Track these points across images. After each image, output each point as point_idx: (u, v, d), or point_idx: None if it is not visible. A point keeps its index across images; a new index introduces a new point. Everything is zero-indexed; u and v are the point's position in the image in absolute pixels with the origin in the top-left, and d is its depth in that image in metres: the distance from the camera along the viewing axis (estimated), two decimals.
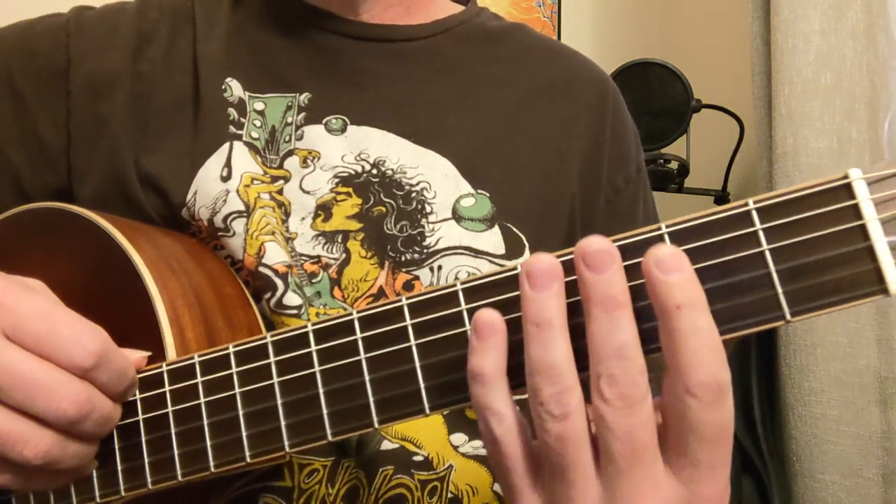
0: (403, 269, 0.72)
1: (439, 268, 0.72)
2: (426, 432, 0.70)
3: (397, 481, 0.68)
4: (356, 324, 0.51)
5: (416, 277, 0.72)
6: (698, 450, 0.42)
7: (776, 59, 1.52)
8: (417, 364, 0.50)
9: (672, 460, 0.43)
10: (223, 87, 0.78)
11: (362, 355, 0.51)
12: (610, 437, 0.42)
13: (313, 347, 0.52)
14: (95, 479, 0.57)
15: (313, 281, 0.71)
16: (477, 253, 0.73)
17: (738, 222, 0.43)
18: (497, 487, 0.72)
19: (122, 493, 0.56)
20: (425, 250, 0.73)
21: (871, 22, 1.49)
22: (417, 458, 0.69)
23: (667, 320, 0.41)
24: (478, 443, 0.72)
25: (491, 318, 0.45)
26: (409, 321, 0.50)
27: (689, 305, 0.41)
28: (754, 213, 0.43)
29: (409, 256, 0.73)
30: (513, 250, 0.75)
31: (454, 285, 0.49)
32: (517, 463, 0.46)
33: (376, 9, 0.83)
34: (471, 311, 0.48)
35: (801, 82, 1.48)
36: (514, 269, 0.48)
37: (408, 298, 0.50)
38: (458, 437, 0.71)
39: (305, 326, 0.53)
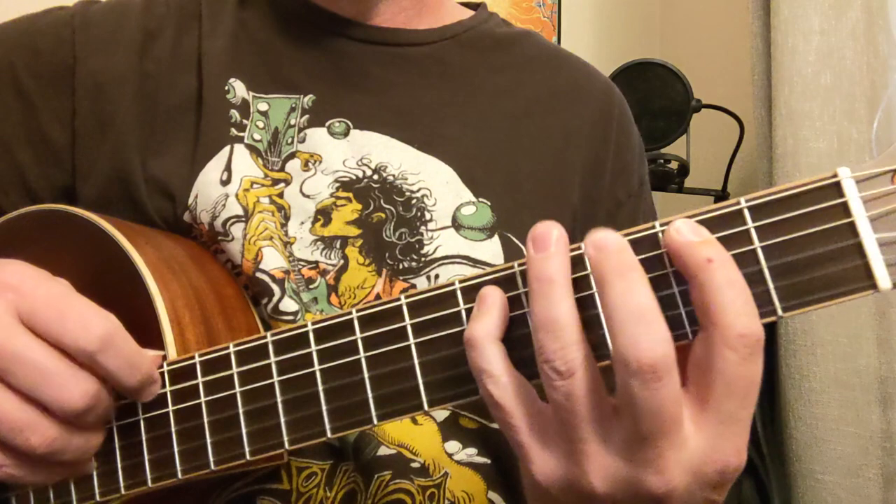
0: (401, 278, 0.72)
1: (437, 277, 0.72)
2: (421, 440, 0.70)
3: (395, 486, 0.68)
4: (356, 323, 0.52)
5: (413, 286, 0.71)
6: (727, 404, 0.42)
7: (776, 59, 1.52)
8: (416, 361, 0.50)
9: (696, 415, 0.43)
10: (226, 88, 0.77)
11: (362, 354, 0.52)
12: (636, 413, 0.42)
13: (313, 347, 0.53)
14: (95, 478, 0.57)
15: (311, 287, 0.70)
16: (475, 262, 0.73)
17: (731, 220, 0.44)
18: (492, 495, 0.72)
19: (122, 492, 0.57)
20: (423, 259, 0.72)
21: (871, 22, 1.49)
22: (414, 465, 0.69)
23: (698, 275, 0.42)
24: (472, 450, 0.72)
25: (490, 290, 0.48)
26: (408, 320, 0.51)
27: (720, 260, 0.42)
28: (746, 212, 0.44)
29: (406, 265, 0.72)
30: (511, 260, 0.74)
31: (453, 284, 0.50)
32: (522, 422, 0.46)
33: (388, 13, 0.83)
34: (469, 311, 0.49)
35: (801, 82, 1.48)
36: (511, 267, 0.48)
37: (407, 297, 0.51)
38: (453, 445, 0.71)
39: (305, 326, 0.53)
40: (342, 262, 0.72)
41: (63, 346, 0.51)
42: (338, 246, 0.72)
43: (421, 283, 0.72)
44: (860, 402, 1.42)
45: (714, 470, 0.44)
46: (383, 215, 0.73)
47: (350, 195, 0.74)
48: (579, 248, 0.46)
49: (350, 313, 0.52)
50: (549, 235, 0.45)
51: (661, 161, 1.72)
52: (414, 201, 0.74)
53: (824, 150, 1.47)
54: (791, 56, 1.49)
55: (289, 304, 0.69)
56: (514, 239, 0.75)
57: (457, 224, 0.74)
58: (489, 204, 0.76)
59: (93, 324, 0.52)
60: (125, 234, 0.64)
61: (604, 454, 0.44)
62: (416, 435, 0.70)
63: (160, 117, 0.76)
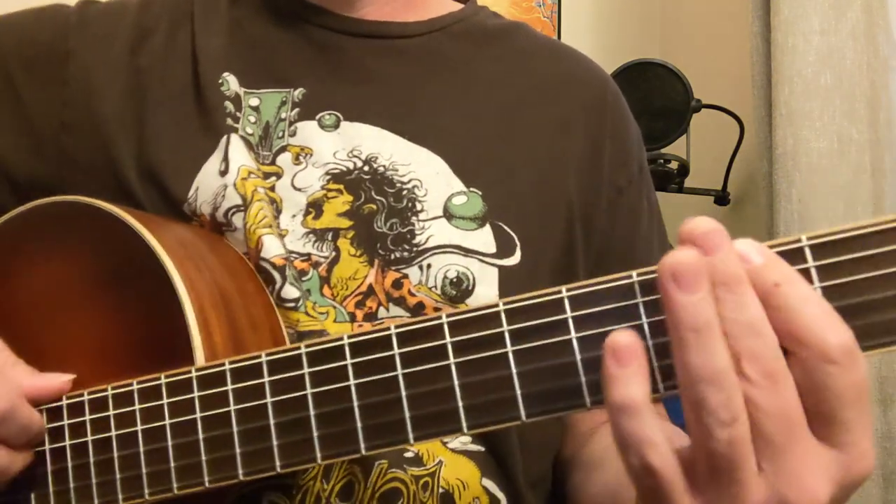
0: (392, 268, 0.72)
1: (428, 266, 0.72)
2: None
3: (392, 475, 0.68)
4: (394, 339, 0.51)
5: (405, 276, 0.72)
6: (846, 413, 0.41)
7: (776, 59, 1.52)
8: (455, 382, 0.49)
9: (822, 432, 0.42)
10: (220, 81, 0.78)
11: (399, 371, 0.50)
12: (763, 419, 0.41)
13: (349, 360, 0.51)
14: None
15: (303, 278, 0.71)
16: (467, 252, 0.73)
17: (791, 258, 0.43)
18: (486, 482, 0.72)
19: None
20: (414, 249, 0.72)
21: (871, 22, 1.50)
22: (408, 454, 0.69)
23: (773, 301, 0.41)
24: (466, 438, 0.72)
25: (630, 342, 0.43)
26: (448, 339, 0.49)
27: (787, 281, 0.41)
28: (807, 250, 0.43)
29: (398, 255, 0.72)
30: (504, 249, 0.74)
31: (496, 305, 0.49)
32: (677, 483, 0.43)
33: (375, 4, 0.83)
34: (512, 332, 0.48)
35: (801, 82, 1.49)
36: (559, 291, 0.47)
37: (448, 316, 0.50)
38: None
39: (342, 338, 0.52)
40: (334, 253, 0.72)
41: None
42: (329, 238, 0.72)
43: (413, 272, 0.72)
44: None
45: (856, 476, 0.43)
46: (374, 206, 0.74)
47: (341, 187, 0.74)
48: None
49: (388, 329, 0.51)
50: (693, 270, 0.41)
51: (661, 161, 1.73)
52: (405, 192, 0.75)
53: (824, 150, 1.48)
54: (791, 56, 1.50)
55: (290, 291, 0.69)
56: (506, 228, 0.76)
57: (448, 214, 0.75)
58: (480, 194, 0.76)
59: None
60: (149, 228, 0.64)
61: (757, 486, 0.42)
62: None
63: (150, 111, 0.77)
